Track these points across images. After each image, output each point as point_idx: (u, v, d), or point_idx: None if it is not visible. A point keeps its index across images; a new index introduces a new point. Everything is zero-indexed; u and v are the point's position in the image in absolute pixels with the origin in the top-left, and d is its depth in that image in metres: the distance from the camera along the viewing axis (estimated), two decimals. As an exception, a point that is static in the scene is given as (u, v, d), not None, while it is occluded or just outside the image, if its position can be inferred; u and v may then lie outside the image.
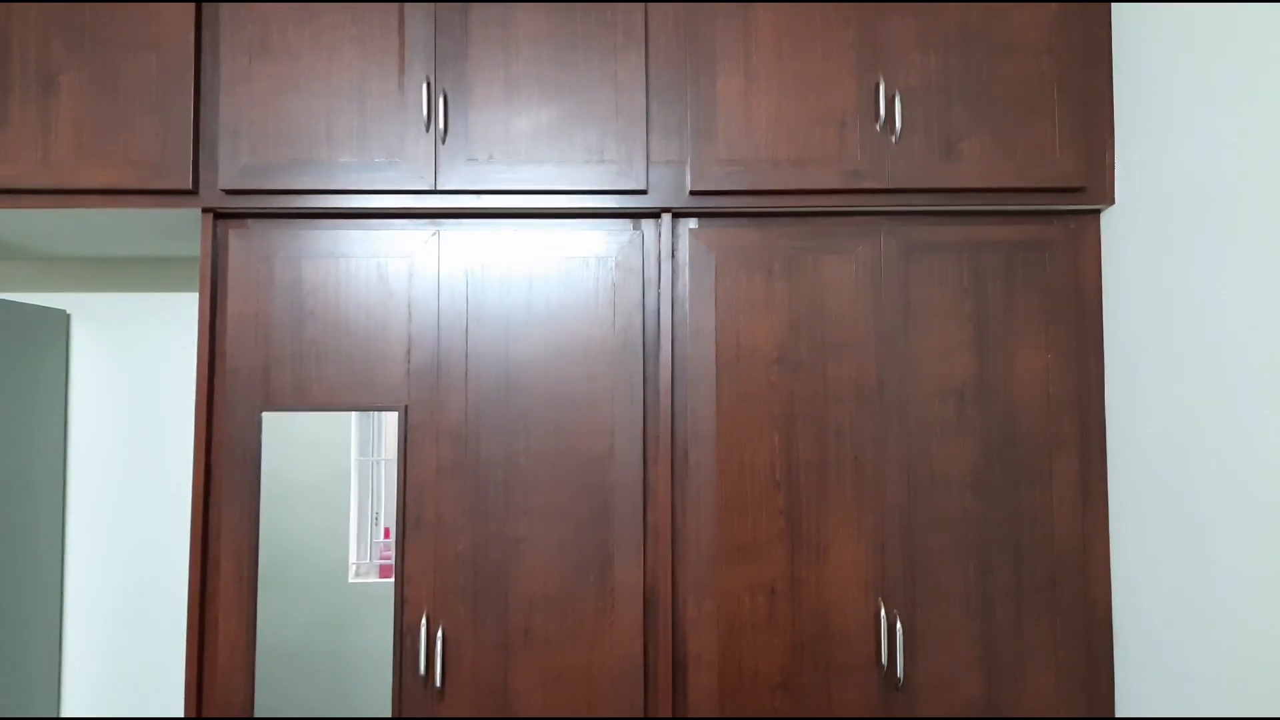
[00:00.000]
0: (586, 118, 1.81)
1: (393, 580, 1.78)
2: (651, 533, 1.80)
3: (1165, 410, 1.64)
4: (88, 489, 2.37)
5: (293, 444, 1.79)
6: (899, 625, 1.77)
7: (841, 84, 1.80)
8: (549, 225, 1.84)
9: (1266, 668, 1.39)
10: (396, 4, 1.81)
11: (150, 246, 2.21)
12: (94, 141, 1.79)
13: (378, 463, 1.80)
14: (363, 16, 1.80)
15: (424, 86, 1.79)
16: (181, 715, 2.31)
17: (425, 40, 1.80)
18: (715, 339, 1.82)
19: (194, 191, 1.81)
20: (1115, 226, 1.81)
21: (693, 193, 1.81)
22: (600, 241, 1.83)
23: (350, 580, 1.78)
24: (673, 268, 1.84)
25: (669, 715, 1.76)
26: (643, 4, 1.81)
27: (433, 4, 1.81)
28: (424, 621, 1.76)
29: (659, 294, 1.83)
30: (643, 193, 1.81)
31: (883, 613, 1.78)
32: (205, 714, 1.76)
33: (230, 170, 1.79)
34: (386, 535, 1.79)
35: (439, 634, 1.76)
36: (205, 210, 1.81)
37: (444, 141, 1.79)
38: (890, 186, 1.79)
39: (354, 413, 1.79)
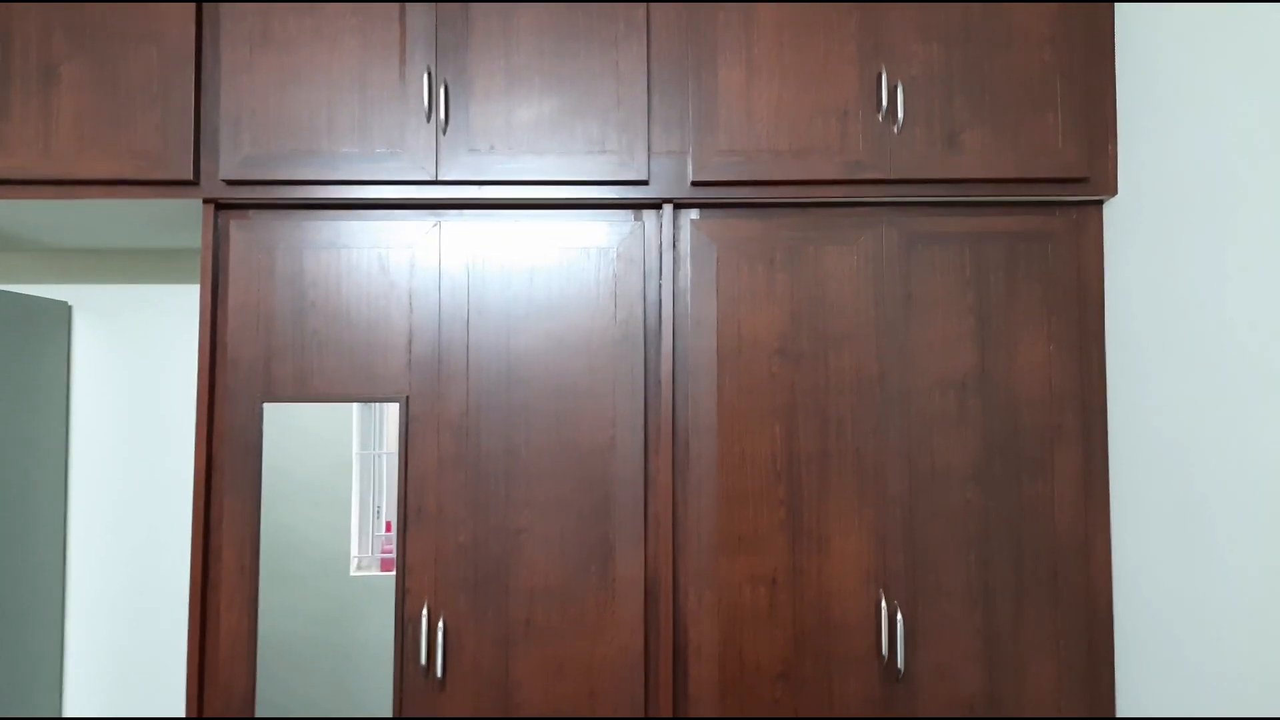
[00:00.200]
0: (588, 109, 1.80)
1: (394, 574, 1.78)
2: (653, 524, 1.80)
3: (1167, 402, 1.64)
4: (89, 481, 2.37)
5: (294, 437, 1.79)
6: (899, 617, 1.77)
7: (843, 75, 1.80)
8: (550, 216, 1.84)
9: (1267, 659, 1.38)
10: (397, -5, 1.81)
11: (152, 238, 2.21)
12: (95, 132, 1.79)
13: (379, 456, 1.80)
14: (363, 7, 1.80)
15: (425, 77, 1.78)
16: (183, 715, 2.32)
17: (426, 31, 1.80)
18: (717, 330, 1.81)
19: (195, 182, 1.81)
20: (1117, 217, 1.80)
21: (694, 183, 1.80)
22: (601, 233, 1.83)
23: (352, 574, 1.78)
24: (674, 259, 1.84)
25: (670, 705, 1.76)
26: (644, -5, 1.81)
27: (434, -5, 1.81)
28: (425, 612, 1.77)
29: (660, 285, 1.82)
30: (644, 184, 1.81)
31: (883, 604, 1.78)
32: (207, 703, 1.76)
33: (231, 161, 1.79)
34: (388, 529, 1.79)
35: (440, 625, 1.76)
36: (206, 201, 1.81)
37: (445, 132, 1.79)
38: (892, 177, 1.79)
39: (355, 406, 1.79)
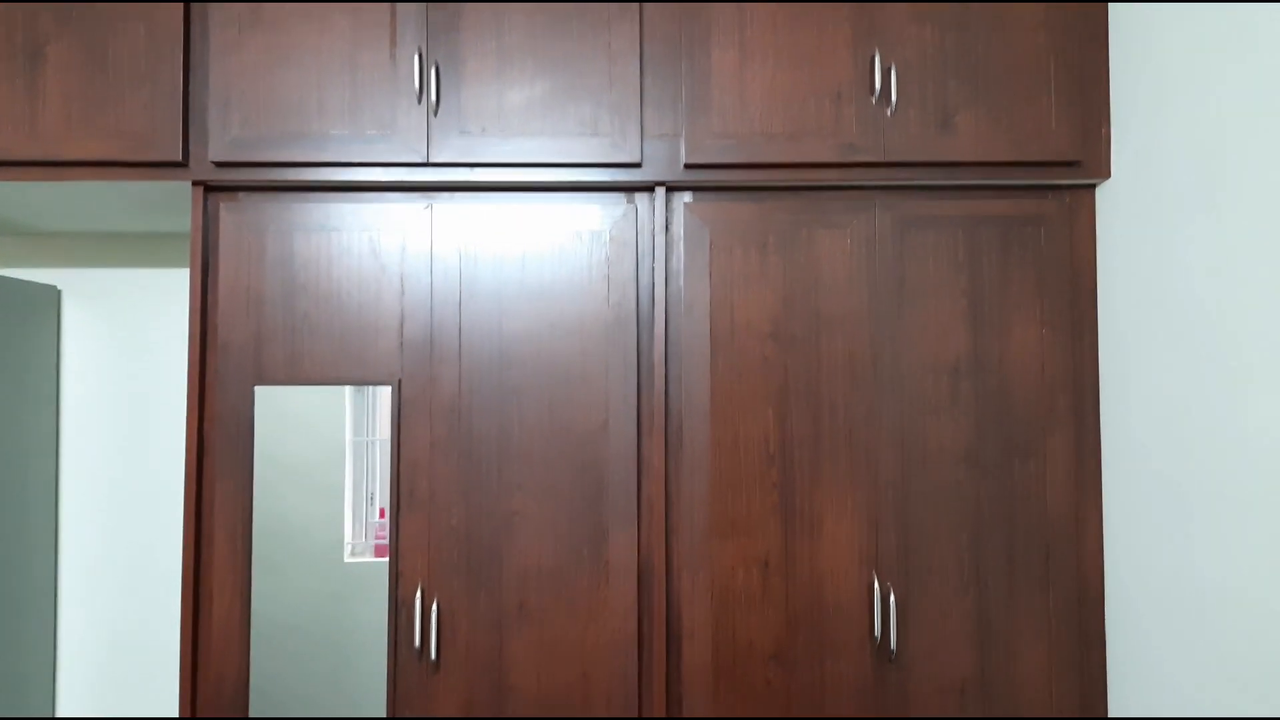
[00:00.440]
0: (580, 91, 1.79)
1: (387, 560, 1.77)
2: (645, 507, 1.80)
3: (1159, 385, 1.64)
4: (80, 467, 2.36)
5: (287, 422, 1.78)
6: (892, 599, 1.78)
7: (837, 57, 1.79)
8: (542, 199, 1.83)
9: (1257, 640, 1.39)
10: (388, -26, 1.79)
11: (141, 221, 2.20)
12: (82, 113, 1.77)
13: (372, 443, 1.79)
14: (354, -13, 1.79)
15: (416, 58, 1.77)
16: (177, 705, 2.32)
17: (417, 12, 1.79)
18: (710, 313, 1.81)
19: (184, 164, 1.79)
20: (1111, 201, 1.80)
21: (687, 166, 1.80)
22: (594, 215, 1.82)
23: (346, 560, 1.78)
24: (667, 242, 1.83)
25: (663, 687, 1.76)
26: (637, -25, 1.80)
27: (425, -25, 1.79)
28: (419, 595, 1.77)
29: (653, 268, 1.82)
30: (637, 166, 1.80)
31: (876, 586, 1.78)
32: (200, 689, 1.76)
33: (220, 142, 1.77)
34: (382, 515, 1.79)
35: (434, 608, 1.76)
36: (195, 183, 1.80)
37: (436, 114, 1.78)
38: (885, 160, 1.78)
39: (348, 392, 1.79)
